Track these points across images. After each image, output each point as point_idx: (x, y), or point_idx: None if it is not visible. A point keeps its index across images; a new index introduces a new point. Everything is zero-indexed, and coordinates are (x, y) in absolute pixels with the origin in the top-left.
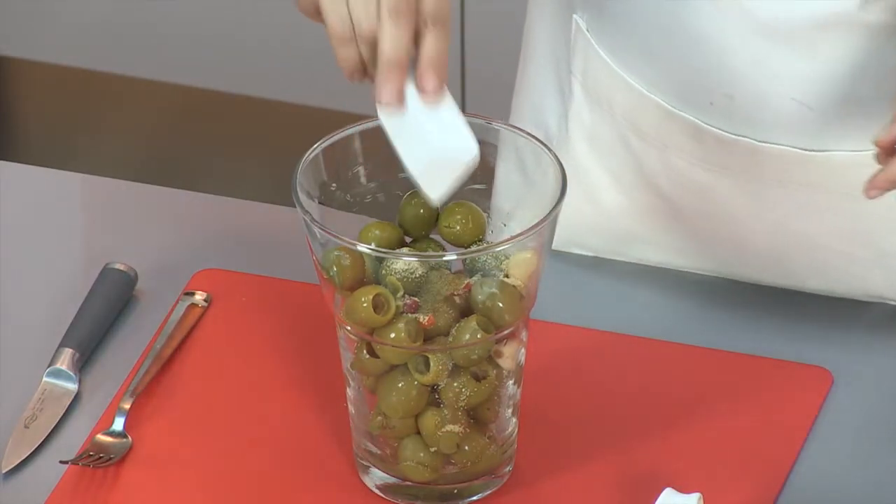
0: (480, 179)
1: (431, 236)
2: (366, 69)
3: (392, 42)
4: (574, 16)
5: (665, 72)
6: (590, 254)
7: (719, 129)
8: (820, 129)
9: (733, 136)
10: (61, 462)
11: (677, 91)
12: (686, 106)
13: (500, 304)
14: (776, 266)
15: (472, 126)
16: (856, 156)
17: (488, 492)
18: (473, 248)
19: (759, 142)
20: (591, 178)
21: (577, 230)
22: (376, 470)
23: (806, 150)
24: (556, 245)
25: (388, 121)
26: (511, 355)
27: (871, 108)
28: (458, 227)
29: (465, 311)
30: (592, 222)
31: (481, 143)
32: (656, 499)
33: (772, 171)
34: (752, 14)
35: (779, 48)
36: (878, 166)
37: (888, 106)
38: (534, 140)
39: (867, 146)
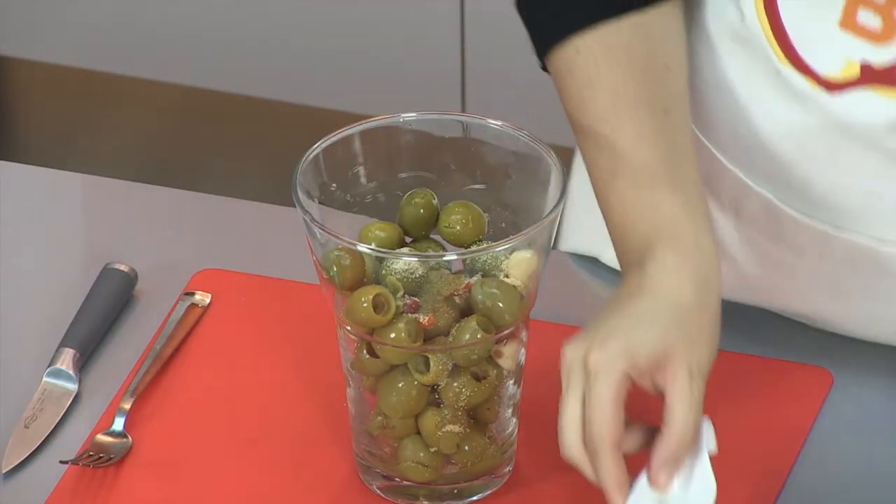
0: (480, 179)
1: (431, 236)
2: None
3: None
4: None
5: (744, 148)
6: None
7: (795, 209)
8: (893, 222)
9: (808, 219)
10: (61, 462)
11: (755, 166)
12: (764, 182)
13: (500, 304)
14: (839, 332)
15: (474, 126)
16: None
17: (488, 492)
18: (473, 248)
19: (834, 227)
20: None
21: None
22: (376, 470)
23: (881, 238)
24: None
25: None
26: (511, 355)
27: None
28: (458, 227)
29: (465, 311)
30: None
31: (482, 143)
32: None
33: (845, 257)
34: (828, 109)
35: (853, 143)
36: None
37: None
38: (535, 141)
39: None
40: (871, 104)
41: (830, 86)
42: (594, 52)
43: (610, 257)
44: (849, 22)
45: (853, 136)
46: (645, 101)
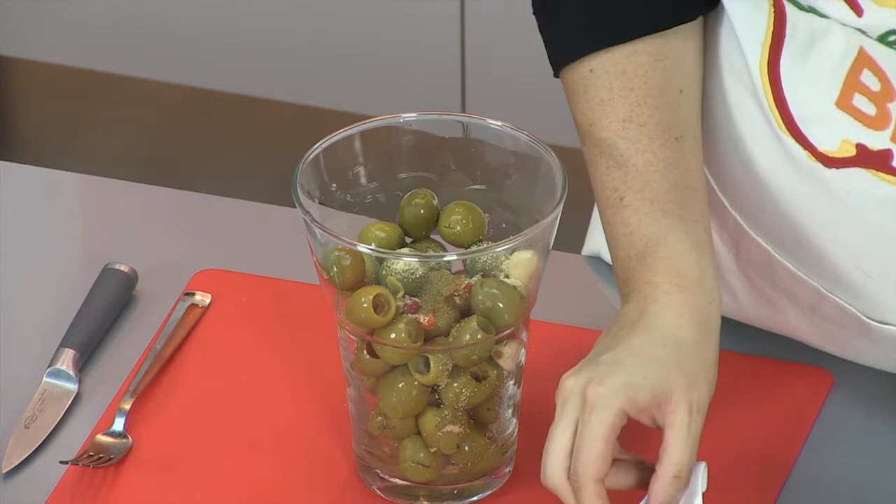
0: (480, 180)
1: (431, 236)
2: None
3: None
4: None
5: (742, 194)
6: None
7: (791, 263)
8: (880, 301)
9: (803, 276)
10: (61, 462)
11: (752, 215)
12: (760, 232)
13: (500, 305)
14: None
15: (474, 126)
16: None
17: (488, 492)
18: (473, 248)
19: (826, 291)
20: None
21: None
22: (376, 470)
23: (868, 317)
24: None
25: None
26: (511, 356)
27: None
28: (458, 227)
29: (466, 311)
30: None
31: (482, 143)
32: None
33: (835, 316)
34: (823, 181)
35: (846, 217)
36: None
37: None
38: (535, 141)
39: None
40: (865, 182)
41: (828, 161)
42: (609, 73)
43: None
44: (845, 103)
45: (846, 211)
46: (657, 127)
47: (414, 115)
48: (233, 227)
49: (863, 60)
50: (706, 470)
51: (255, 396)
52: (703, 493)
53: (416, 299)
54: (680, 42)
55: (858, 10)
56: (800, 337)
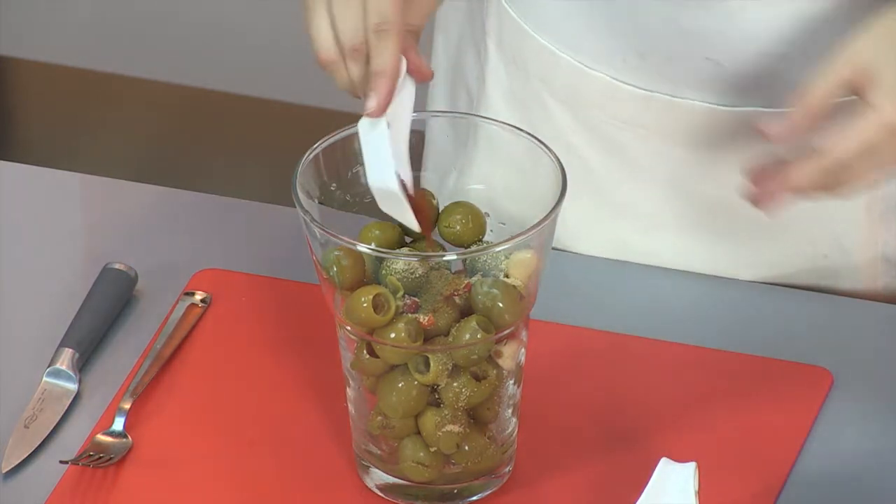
0: (481, 180)
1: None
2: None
3: (377, 56)
4: None
5: (576, 31)
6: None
7: (633, 85)
8: (732, 86)
9: (646, 92)
10: (61, 462)
11: (589, 50)
12: (599, 64)
13: (500, 304)
14: (683, 241)
15: (473, 126)
16: (765, 113)
17: (488, 492)
18: (473, 248)
19: (672, 97)
20: None
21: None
22: (376, 470)
23: (717, 105)
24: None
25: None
26: (511, 355)
27: (783, 65)
28: (458, 227)
29: (465, 311)
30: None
31: (482, 143)
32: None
33: (684, 127)
34: None
35: (689, 7)
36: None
37: (800, 61)
38: (535, 142)
39: (777, 104)
40: None
41: None
42: None
43: (584, 247)
44: None
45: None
46: None
47: (414, 114)
48: (233, 226)
49: None
50: (697, 470)
51: (254, 396)
52: (698, 493)
53: (416, 299)
54: None
55: None
56: (652, 207)
